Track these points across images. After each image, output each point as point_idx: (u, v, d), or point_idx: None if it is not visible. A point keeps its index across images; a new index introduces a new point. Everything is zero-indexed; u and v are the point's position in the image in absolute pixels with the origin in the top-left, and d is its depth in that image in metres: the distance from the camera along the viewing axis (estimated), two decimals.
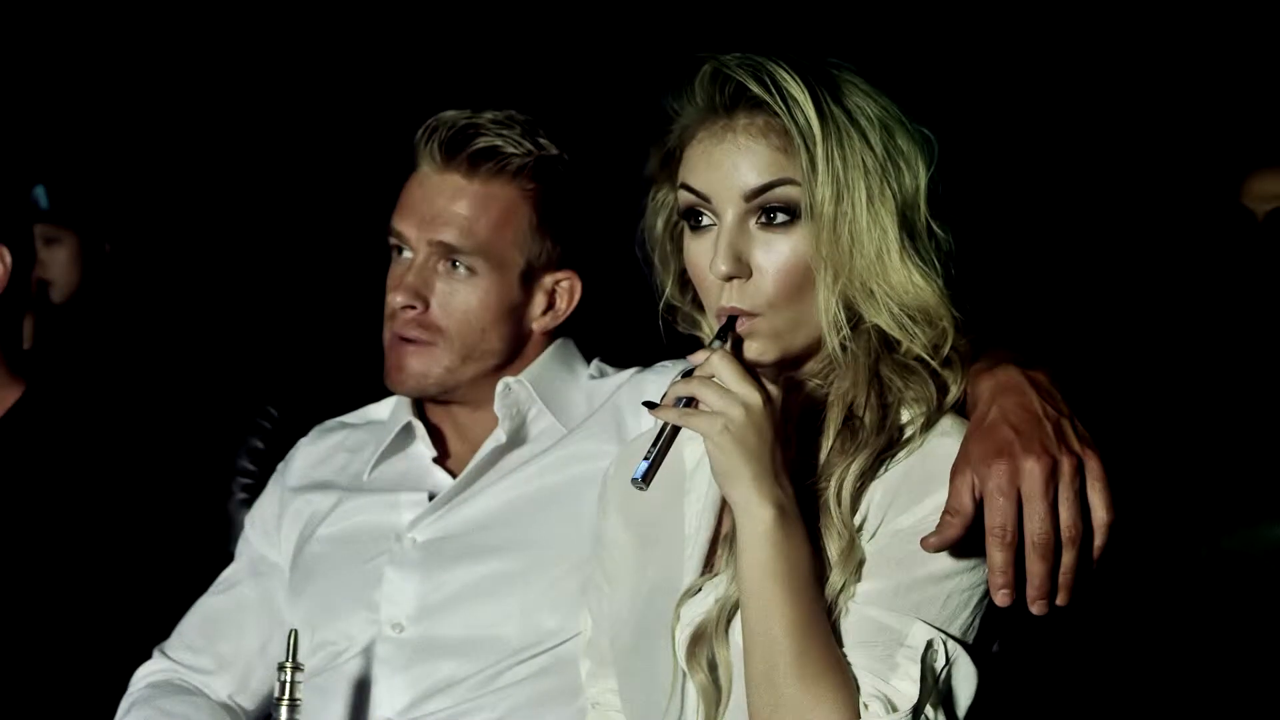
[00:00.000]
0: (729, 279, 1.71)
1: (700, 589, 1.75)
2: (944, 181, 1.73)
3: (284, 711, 1.96)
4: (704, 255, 1.73)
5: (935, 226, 1.71)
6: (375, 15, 3.87)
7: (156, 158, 3.95)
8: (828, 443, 1.70)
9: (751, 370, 1.66)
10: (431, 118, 2.23)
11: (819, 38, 1.78)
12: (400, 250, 2.24)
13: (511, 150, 2.20)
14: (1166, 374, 2.91)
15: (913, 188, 1.71)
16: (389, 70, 3.78)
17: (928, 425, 1.69)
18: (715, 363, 1.65)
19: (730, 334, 1.71)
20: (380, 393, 2.34)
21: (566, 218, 2.24)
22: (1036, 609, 1.61)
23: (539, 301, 2.25)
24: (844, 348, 1.71)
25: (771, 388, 1.64)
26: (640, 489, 1.65)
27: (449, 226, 2.19)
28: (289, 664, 1.96)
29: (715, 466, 1.63)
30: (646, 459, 1.64)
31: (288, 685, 1.96)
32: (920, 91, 1.77)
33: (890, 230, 1.69)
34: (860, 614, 1.64)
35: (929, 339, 1.70)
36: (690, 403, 1.64)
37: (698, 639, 1.71)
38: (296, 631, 1.98)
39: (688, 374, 1.66)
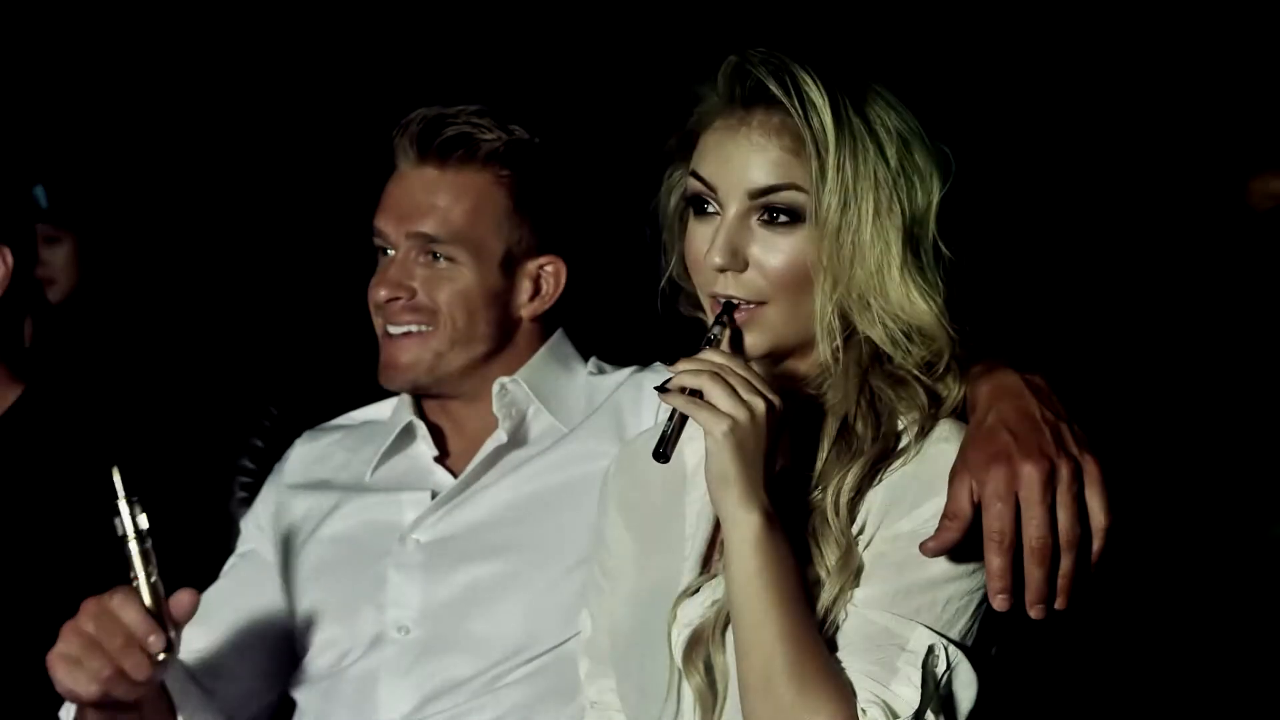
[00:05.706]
0: (722, 270, 1.72)
1: (698, 590, 1.75)
2: (954, 190, 1.73)
3: (134, 546, 1.87)
4: (703, 241, 1.74)
5: (942, 245, 1.71)
6: (378, 20, 3.88)
7: (156, 158, 3.94)
8: (824, 452, 1.71)
9: (760, 377, 1.66)
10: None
11: (816, 43, 1.77)
12: (384, 250, 2.25)
13: (481, 137, 2.21)
14: (1167, 376, 2.92)
15: (924, 205, 1.71)
16: (385, 71, 3.78)
17: (922, 433, 1.70)
18: (724, 364, 1.64)
19: (730, 322, 1.71)
20: (379, 393, 2.35)
21: (544, 202, 2.24)
22: (1035, 613, 1.61)
23: (524, 288, 2.25)
24: (836, 359, 1.72)
25: (775, 398, 1.64)
26: (662, 461, 1.64)
27: (426, 217, 2.20)
28: (122, 498, 1.86)
29: (711, 467, 1.63)
30: (665, 433, 1.64)
31: (128, 519, 1.86)
32: (922, 95, 1.77)
33: (894, 245, 1.69)
34: (860, 617, 1.65)
35: (921, 357, 1.71)
36: (696, 394, 1.64)
37: (695, 641, 1.72)
38: (115, 467, 1.88)
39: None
